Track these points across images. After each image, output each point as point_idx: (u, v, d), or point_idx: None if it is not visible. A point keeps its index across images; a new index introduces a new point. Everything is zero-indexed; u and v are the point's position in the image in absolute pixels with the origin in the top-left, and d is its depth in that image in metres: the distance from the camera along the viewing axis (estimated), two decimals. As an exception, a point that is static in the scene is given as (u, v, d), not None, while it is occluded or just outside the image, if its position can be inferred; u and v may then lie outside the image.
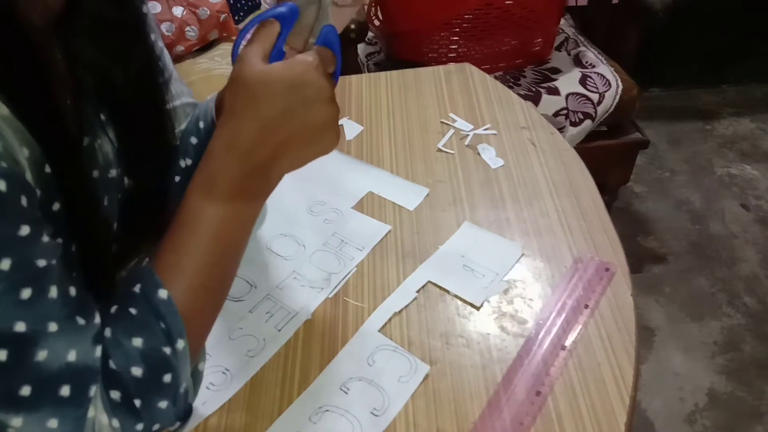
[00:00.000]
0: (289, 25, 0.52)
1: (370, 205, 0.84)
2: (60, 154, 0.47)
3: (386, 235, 0.80)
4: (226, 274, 0.53)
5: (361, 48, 1.73)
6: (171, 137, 0.67)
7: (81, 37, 0.53)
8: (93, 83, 0.56)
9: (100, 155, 0.57)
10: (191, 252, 0.50)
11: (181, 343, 0.48)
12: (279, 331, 0.69)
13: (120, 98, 0.58)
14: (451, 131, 0.95)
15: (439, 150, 0.92)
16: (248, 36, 0.52)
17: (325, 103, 0.51)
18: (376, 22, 1.58)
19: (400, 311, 0.70)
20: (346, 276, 0.75)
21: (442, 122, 0.97)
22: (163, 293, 0.47)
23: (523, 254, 0.76)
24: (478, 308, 0.71)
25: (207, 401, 0.63)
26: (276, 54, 0.52)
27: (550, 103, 1.50)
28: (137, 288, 0.48)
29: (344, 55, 1.63)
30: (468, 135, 0.94)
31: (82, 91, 0.53)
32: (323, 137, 0.52)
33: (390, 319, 0.70)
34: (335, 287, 0.73)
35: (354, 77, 1.09)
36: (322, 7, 0.54)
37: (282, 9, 0.52)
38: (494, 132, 0.95)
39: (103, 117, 0.58)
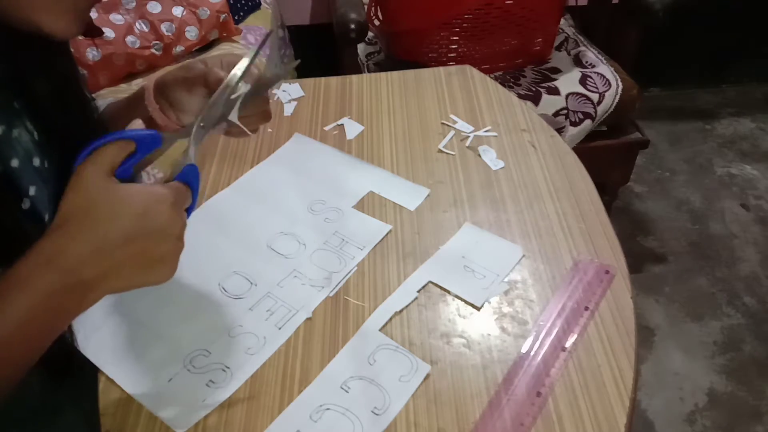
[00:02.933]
0: (146, 150, 0.50)
1: (370, 204, 0.84)
2: None
3: (387, 234, 0.80)
4: (20, 359, 0.47)
5: (361, 48, 1.73)
6: (95, 128, 0.66)
7: None
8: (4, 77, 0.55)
9: (19, 145, 0.55)
10: None
11: None
12: (279, 329, 0.69)
13: (38, 99, 0.57)
14: (452, 132, 0.95)
15: (440, 151, 0.92)
16: (98, 146, 0.48)
17: (170, 238, 0.49)
18: (376, 22, 1.58)
19: (401, 311, 0.71)
20: (346, 275, 0.75)
21: (442, 123, 0.97)
22: None
23: (523, 256, 0.76)
24: (478, 309, 0.71)
25: (207, 399, 0.63)
26: (122, 174, 0.49)
27: (550, 103, 1.51)
28: None
29: (344, 54, 1.62)
30: (468, 136, 0.94)
31: None
32: (159, 270, 0.50)
33: (391, 319, 0.70)
34: (336, 286, 0.74)
35: (355, 77, 1.09)
36: (189, 144, 0.54)
37: (144, 133, 0.50)
38: (495, 134, 0.95)
39: (17, 105, 0.56)
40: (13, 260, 0.46)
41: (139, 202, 0.47)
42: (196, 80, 0.65)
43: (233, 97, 0.60)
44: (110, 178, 0.47)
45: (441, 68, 1.09)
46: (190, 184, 0.52)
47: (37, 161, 0.57)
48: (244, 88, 0.61)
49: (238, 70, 0.61)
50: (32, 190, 0.55)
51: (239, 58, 0.64)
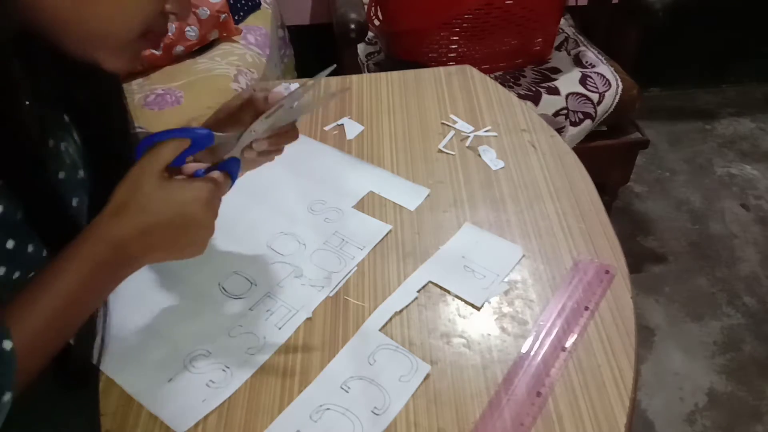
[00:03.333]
0: (200, 147, 0.59)
1: (370, 204, 0.84)
2: (24, 155, 0.52)
3: (387, 234, 0.80)
4: (69, 327, 0.56)
5: (361, 48, 1.73)
6: (133, 141, 0.70)
7: (41, 55, 0.55)
8: (55, 91, 0.59)
9: (67, 157, 0.59)
10: (45, 302, 0.52)
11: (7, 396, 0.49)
12: (279, 329, 0.69)
13: (83, 110, 0.62)
14: (452, 132, 0.95)
15: (440, 151, 0.92)
16: (157, 140, 0.57)
17: (201, 228, 0.58)
18: (376, 22, 1.58)
19: (401, 311, 0.71)
20: (346, 275, 0.75)
21: (442, 123, 0.97)
22: (7, 344, 0.49)
23: (523, 256, 0.76)
24: (478, 309, 0.71)
25: (207, 399, 0.63)
26: (175, 163, 0.58)
27: (550, 103, 1.51)
28: None
29: (344, 55, 1.62)
30: (468, 136, 0.94)
31: (41, 94, 0.56)
32: (190, 249, 0.59)
33: (391, 319, 0.70)
34: (336, 286, 0.74)
35: (355, 77, 1.09)
36: (237, 144, 0.63)
37: (200, 132, 0.59)
38: (495, 134, 0.95)
39: (66, 119, 0.61)
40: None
41: (180, 198, 0.56)
42: (243, 108, 0.69)
43: (290, 107, 0.66)
44: (162, 174, 0.56)
45: (441, 68, 1.09)
46: (230, 173, 0.61)
47: (81, 173, 0.62)
48: (297, 104, 0.67)
49: (298, 87, 0.67)
50: (75, 201, 0.61)
51: (276, 85, 0.69)
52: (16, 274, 0.52)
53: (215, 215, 0.60)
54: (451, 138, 0.94)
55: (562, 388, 0.63)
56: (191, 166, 0.61)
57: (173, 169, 0.58)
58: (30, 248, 0.54)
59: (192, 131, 0.59)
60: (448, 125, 0.97)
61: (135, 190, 0.55)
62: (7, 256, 0.51)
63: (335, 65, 0.70)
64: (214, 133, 0.60)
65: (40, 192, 0.54)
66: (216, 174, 0.60)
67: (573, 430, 0.59)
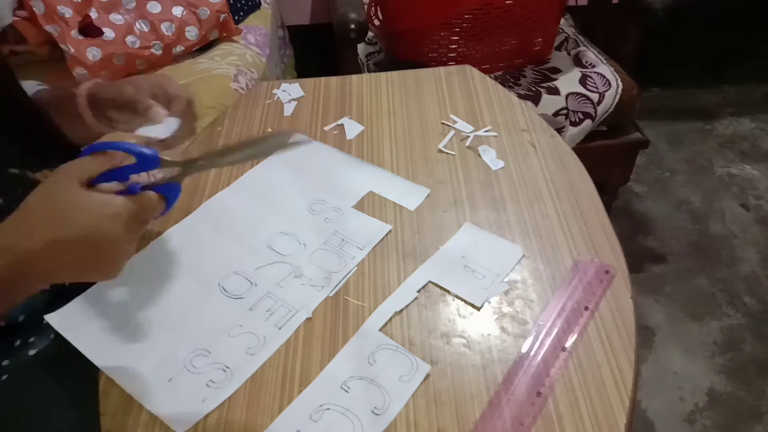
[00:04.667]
0: (142, 168, 0.56)
1: (370, 204, 0.84)
2: None
3: (387, 234, 0.80)
4: None
5: (361, 48, 1.73)
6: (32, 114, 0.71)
7: None
8: None
9: None
10: None
11: None
12: (279, 329, 0.69)
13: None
14: (452, 132, 0.95)
15: (440, 151, 0.92)
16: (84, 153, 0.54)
17: (115, 250, 0.53)
18: (376, 22, 1.58)
19: (401, 311, 0.71)
20: (346, 275, 0.75)
21: (442, 123, 0.97)
22: None
23: (523, 256, 0.76)
24: (478, 309, 0.71)
25: (207, 399, 0.63)
26: (109, 178, 0.54)
27: (550, 103, 1.51)
28: None
29: (344, 55, 1.62)
30: (468, 136, 0.94)
31: None
32: (101, 272, 0.55)
33: (391, 319, 0.70)
34: (336, 286, 0.74)
35: (355, 77, 1.09)
36: (183, 170, 0.58)
37: (146, 153, 0.55)
38: (495, 134, 0.95)
39: None
40: None
41: (94, 214, 0.51)
42: (126, 104, 0.69)
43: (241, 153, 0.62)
44: (76, 184, 0.51)
45: (441, 68, 1.09)
46: (167, 198, 0.57)
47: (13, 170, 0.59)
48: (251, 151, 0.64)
49: (259, 137, 0.68)
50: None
51: (164, 78, 0.70)
52: None
53: (135, 238, 0.55)
54: (451, 138, 0.94)
55: (562, 388, 0.63)
56: (114, 185, 0.55)
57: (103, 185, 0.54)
58: None
59: (137, 149, 0.55)
60: (448, 125, 0.97)
61: (46, 199, 0.51)
62: None
63: (293, 132, 0.70)
64: (161, 157, 0.56)
65: None
66: (150, 194, 0.56)
67: (573, 430, 0.59)
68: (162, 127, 0.67)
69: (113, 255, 0.54)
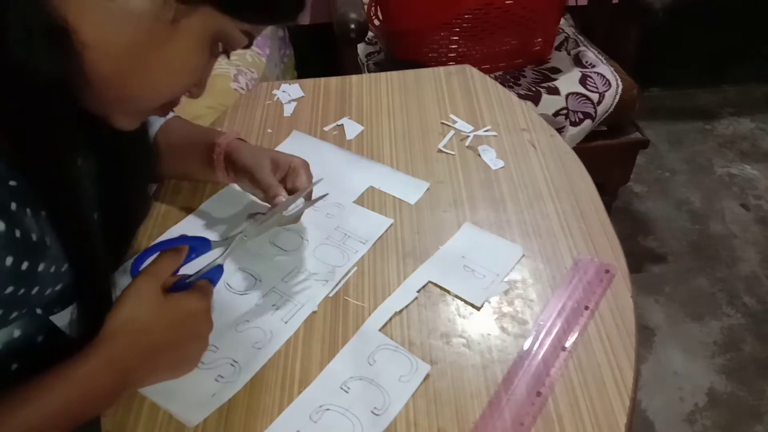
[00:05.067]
0: (199, 253, 0.63)
1: (371, 199, 0.85)
2: (54, 176, 0.52)
3: (387, 231, 0.80)
4: None
5: (361, 48, 1.73)
6: (150, 168, 0.77)
7: None
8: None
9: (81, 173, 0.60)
10: (21, 417, 0.50)
11: None
12: (286, 323, 0.70)
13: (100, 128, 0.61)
14: (452, 132, 0.95)
15: (440, 151, 0.92)
16: (153, 253, 0.60)
17: (203, 340, 0.60)
18: (376, 22, 1.58)
19: (401, 311, 0.71)
20: (350, 270, 0.75)
21: (442, 123, 0.97)
22: None
23: (523, 255, 0.76)
24: (478, 309, 0.71)
25: (216, 393, 0.63)
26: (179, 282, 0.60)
27: (550, 103, 1.51)
28: None
29: (344, 55, 1.62)
30: (468, 136, 0.94)
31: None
32: (187, 366, 0.61)
33: (390, 319, 0.70)
34: (339, 282, 0.74)
35: (354, 77, 1.09)
36: (226, 250, 0.65)
37: (198, 240, 0.63)
38: (494, 134, 0.95)
39: (82, 136, 0.61)
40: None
41: (180, 316, 0.57)
42: (259, 184, 0.74)
43: (272, 219, 0.70)
44: (160, 291, 0.57)
45: (441, 68, 1.09)
46: (212, 280, 0.63)
47: (95, 188, 0.63)
48: (288, 213, 0.73)
49: (291, 204, 0.72)
50: (95, 216, 0.62)
51: (303, 164, 0.76)
52: (21, 291, 0.52)
53: (212, 326, 0.61)
54: (451, 138, 0.94)
55: (562, 387, 0.62)
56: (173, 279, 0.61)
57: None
58: (41, 267, 0.53)
59: (189, 240, 0.62)
60: (447, 125, 0.97)
61: (135, 311, 0.55)
62: (17, 275, 0.50)
63: (326, 193, 0.77)
64: (211, 240, 0.63)
65: (69, 202, 0.54)
66: (203, 283, 0.61)
67: (573, 430, 0.59)
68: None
69: (198, 349, 0.61)
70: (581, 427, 0.59)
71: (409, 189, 0.85)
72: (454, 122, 0.97)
